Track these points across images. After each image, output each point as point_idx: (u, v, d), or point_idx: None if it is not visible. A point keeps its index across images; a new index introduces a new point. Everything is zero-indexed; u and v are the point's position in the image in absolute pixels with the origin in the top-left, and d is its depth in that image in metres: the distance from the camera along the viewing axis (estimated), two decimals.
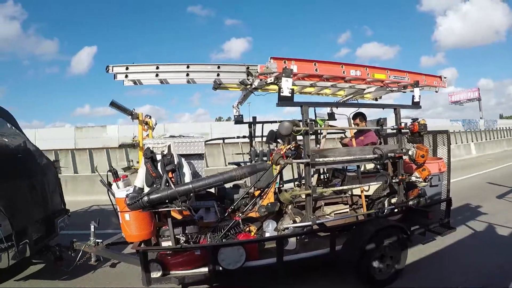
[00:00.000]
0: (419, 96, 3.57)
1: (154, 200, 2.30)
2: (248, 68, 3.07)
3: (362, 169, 4.08)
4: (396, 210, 3.35)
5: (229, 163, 7.57)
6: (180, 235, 2.83)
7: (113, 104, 2.95)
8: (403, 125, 3.42)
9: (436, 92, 4.27)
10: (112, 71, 2.93)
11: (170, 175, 2.37)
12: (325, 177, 4.71)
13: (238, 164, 4.51)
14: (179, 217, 3.27)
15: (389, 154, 3.23)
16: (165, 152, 2.44)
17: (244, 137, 4.79)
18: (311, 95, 4.35)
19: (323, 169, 4.67)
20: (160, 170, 2.41)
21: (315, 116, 4.36)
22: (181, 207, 2.35)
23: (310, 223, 2.81)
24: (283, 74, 2.69)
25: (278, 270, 2.86)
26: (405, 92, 4.09)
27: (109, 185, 2.89)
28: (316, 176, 3.40)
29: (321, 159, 2.81)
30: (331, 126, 3.80)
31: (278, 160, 2.69)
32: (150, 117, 3.86)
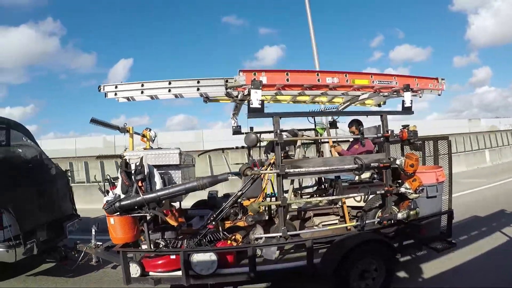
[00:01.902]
0: (411, 100, 3.51)
1: (124, 206, 2.64)
2: (227, 81, 3.31)
3: (357, 179, 4.09)
4: (384, 223, 3.31)
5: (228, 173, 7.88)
6: (160, 239, 3.15)
7: (93, 121, 3.37)
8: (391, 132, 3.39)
9: (439, 95, 4.13)
10: (104, 90, 3.37)
11: (140, 184, 2.69)
12: (325, 187, 4.76)
13: (237, 174, 4.76)
14: (174, 223, 3.61)
15: (373, 164, 3.23)
16: (137, 163, 2.77)
17: (242, 147, 5.04)
18: (306, 104, 4.47)
19: (323, 178, 4.75)
20: (133, 179, 2.74)
21: (315, 125, 4.48)
22: (149, 213, 2.65)
23: (280, 234, 2.93)
24: (252, 86, 2.90)
25: (252, 279, 3.00)
26: (416, 95, 4.03)
27: (107, 192, 3.32)
28: (292, 186, 3.50)
29: (292, 170, 2.93)
30: (307, 136, 3.85)
31: (246, 171, 2.86)
32: (150, 130, 4.28)
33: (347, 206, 3.87)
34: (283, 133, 3.97)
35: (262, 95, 3.85)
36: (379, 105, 4.64)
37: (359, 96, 4.07)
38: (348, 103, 4.38)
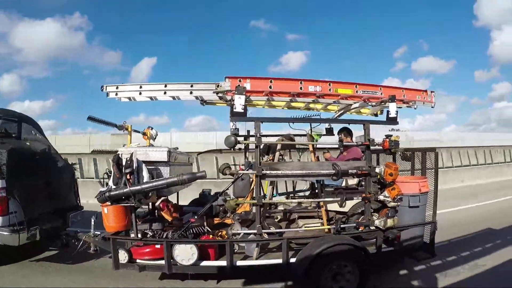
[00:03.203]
0: (396, 111, 3.69)
1: (113, 196, 3.03)
2: (218, 86, 3.66)
3: (343, 184, 4.31)
4: (360, 228, 3.52)
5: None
6: (148, 230, 3.52)
7: (90, 119, 3.80)
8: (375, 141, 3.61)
9: (432, 107, 4.30)
10: (106, 90, 3.81)
11: (128, 177, 3.07)
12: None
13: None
14: (169, 218, 4.00)
15: (351, 171, 3.46)
16: (128, 158, 3.15)
17: (239, 149, 5.36)
18: (300, 110, 4.74)
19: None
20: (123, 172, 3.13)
21: (311, 131, 4.75)
22: (135, 204, 3.03)
23: (255, 231, 3.22)
24: (236, 92, 3.23)
25: (229, 273, 3.29)
26: (411, 107, 4.24)
27: (106, 185, 3.74)
28: (271, 187, 3.78)
29: (269, 172, 3.22)
30: (288, 140, 4.10)
31: (225, 171, 3.18)
32: (152, 128, 4.70)
33: (334, 211, 4.11)
34: (279, 137, 4.33)
35: (256, 101, 4.23)
36: (376, 115, 4.84)
37: (351, 105, 4.32)
38: (342, 111, 4.62)
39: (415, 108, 4.38)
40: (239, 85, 3.27)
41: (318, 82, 3.49)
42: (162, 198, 4.49)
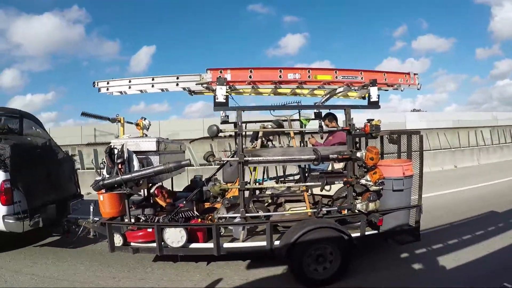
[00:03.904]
0: (378, 95, 3.82)
1: (107, 185, 3.32)
2: (201, 77, 3.87)
3: (330, 169, 4.51)
4: (342, 212, 3.74)
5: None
6: (141, 215, 3.82)
7: (84, 114, 4.07)
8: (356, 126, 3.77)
9: (418, 89, 4.40)
10: (98, 85, 4.06)
11: (120, 166, 3.35)
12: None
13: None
14: (163, 203, 4.31)
15: (332, 156, 3.65)
16: (119, 149, 3.42)
17: (230, 136, 5.58)
18: (287, 96, 4.91)
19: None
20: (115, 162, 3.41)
21: (300, 116, 4.93)
22: (126, 191, 3.31)
23: (239, 214, 3.47)
24: (217, 83, 3.43)
25: (217, 255, 3.57)
26: (398, 89, 4.37)
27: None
28: (254, 173, 4.00)
29: (251, 158, 3.45)
30: (266, 128, 4.28)
31: (209, 158, 3.42)
32: (145, 119, 4.96)
33: (320, 195, 4.32)
34: (269, 123, 4.54)
35: (242, 90, 4.42)
36: (364, 98, 4.96)
37: (336, 89, 4.47)
38: (328, 96, 4.77)
39: (402, 91, 4.50)
40: (220, 76, 3.47)
41: (297, 70, 3.65)
42: (157, 185, 4.84)
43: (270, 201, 4.60)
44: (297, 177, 5.39)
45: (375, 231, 3.89)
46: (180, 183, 5.62)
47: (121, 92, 4.18)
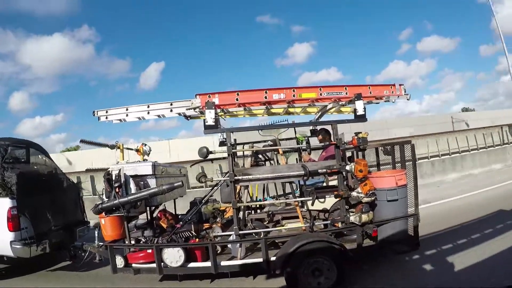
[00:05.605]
0: (364, 108, 4.06)
1: (105, 208, 3.66)
2: (192, 102, 4.23)
3: (325, 184, 4.74)
4: (336, 225, 3.95)
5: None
6: (141, 236, 4.14)
7: (83, 141, 4.47)
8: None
9: (408, 100, 4.63)
10: (97, 114, 4.49)
11: (117, 190, 3.70)
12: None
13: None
14: (164, 225, 4.63)
15: (321, 170, 3.90)
16: (116, 174, 3.79)
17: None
18: (280, 116, 5.23)
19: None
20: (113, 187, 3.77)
21: (295, 133, 5.23)
22: (124, 213, 3.65)
23: (233, 232, 3.74)
24: (206, 107, 3.79)
25: (214, 273, 3.81)
26: (392, 101, 4.66)
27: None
28: (246, 191, 4.28)
29: (241, 177, 3.75)
30: (256, 147, 4.57)
31: (201, 179, 3.74)
32: (145, 145, 5.35)
33: (316, 210, 4.54)
34: (266, 143, 4.86)
35: (236, 112, 4.78)
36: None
37: (326, 106, 4.77)
38: (320, 113, 5.07)
39: (393, 102, 4.78)
40: (208, 100, 3.83)
41: (282, 90, 3.96)
42: (159, 208, 5.18)
43: (268, 219, 4.85)
44: (297, 194, 5.65)
45: (373, 242, 4.04)
46: (186, 205, 5.91)
47: (120, 120, 4.59)
